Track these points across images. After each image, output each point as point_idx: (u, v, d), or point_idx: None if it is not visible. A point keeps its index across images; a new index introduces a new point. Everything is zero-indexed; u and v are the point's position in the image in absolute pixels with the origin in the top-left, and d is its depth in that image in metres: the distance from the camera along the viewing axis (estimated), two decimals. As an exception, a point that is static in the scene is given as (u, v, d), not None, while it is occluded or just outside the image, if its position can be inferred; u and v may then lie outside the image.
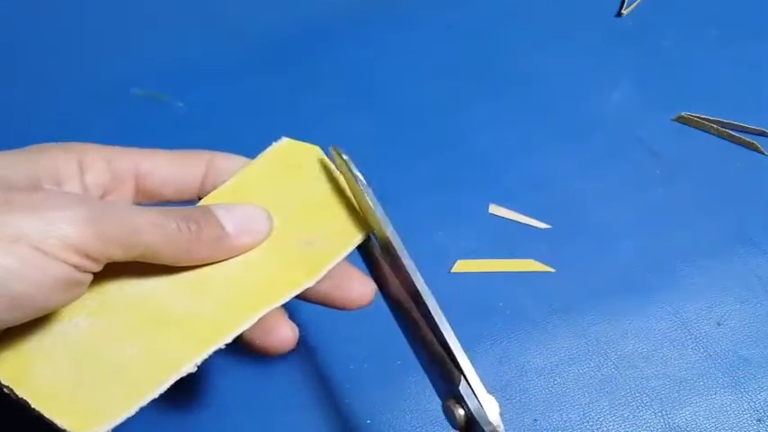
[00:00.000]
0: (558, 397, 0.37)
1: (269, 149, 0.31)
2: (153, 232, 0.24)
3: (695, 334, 0.39)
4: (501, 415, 0.25)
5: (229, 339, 0.25)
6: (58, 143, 0.27)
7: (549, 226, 0.43)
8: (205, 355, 0.24)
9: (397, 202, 0.43)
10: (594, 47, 0.52)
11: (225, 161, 0.30)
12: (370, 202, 0.28)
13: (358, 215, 0.29)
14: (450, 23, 0.54)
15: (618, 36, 0.53)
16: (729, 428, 0.36)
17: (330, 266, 0.28)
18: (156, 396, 0.23)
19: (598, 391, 0.37)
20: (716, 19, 0.54)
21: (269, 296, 0.26)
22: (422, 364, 0.28)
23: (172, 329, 0.25)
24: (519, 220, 0.43)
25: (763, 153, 0.46)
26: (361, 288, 0.29)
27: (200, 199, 0.29)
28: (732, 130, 0.47)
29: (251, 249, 0.28)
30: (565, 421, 0.36)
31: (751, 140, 0.46)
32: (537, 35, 0.53)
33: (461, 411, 0.25)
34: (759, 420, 0.36)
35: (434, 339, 0.26)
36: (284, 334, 0.28)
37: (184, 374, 0.24)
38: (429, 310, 0.26)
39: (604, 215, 0.43)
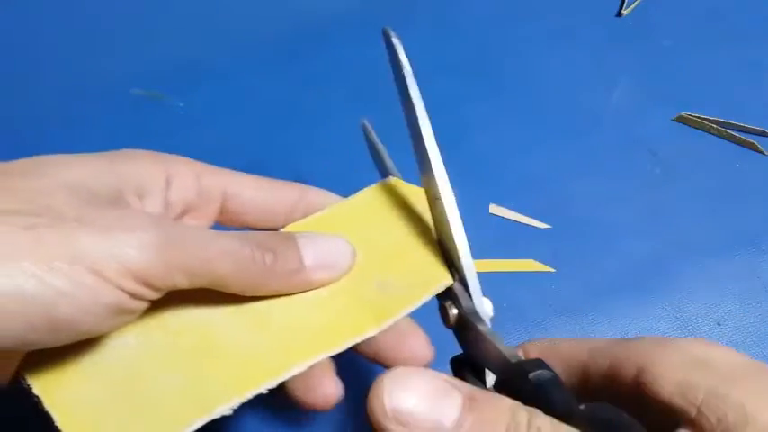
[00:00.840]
0: (558, 397, 0.37)
1: (373, 186, 0.29)
2: (225, 262, 0.22)
3: (695, 334, 0.39)
4: (492, 319, 0.25)
5: (275, 384, 0.23)
6: (149, 152, 0.25)
7: (549, 226, 0.43)
8: (246, 398, 0.23)
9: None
10: (594, 46, 0.52)
11: (318, 196, 0.28)
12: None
13: (441, 265, 0.27)
14: (451, 23, 0.54)
15: (618, 36, 0.53)
16: (729, 428, 0.36)
17: (400, 315, 0.25)
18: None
19: (598, 391, 0.37)
20: (716, 19, 0.54)
21: (328, 340, 0.24)
22: None
23: (218, 363, 0.23)
24: (519, 220, 0.43)
25: (764, 153, 0.46)
26: (419, 349, 0.26)
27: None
28: (732, 130, 0.47)
29: (326, 285, 0.25)
30: (565, 421, 0.36)
31: (751, 140, 0.46)
32: (537, 34, 0.53)
33: (455, 310, 0.25)
34: (759, 420, 0.36)
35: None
36: (328, 390, 0.25)
37: (218, 416, 0.23)
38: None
39: (604, 215, 0.43)
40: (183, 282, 0.22)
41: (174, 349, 0.23)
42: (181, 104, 0.49)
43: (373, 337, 0.25)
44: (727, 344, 0.38)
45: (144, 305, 0.22)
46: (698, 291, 0.40)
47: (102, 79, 0.51)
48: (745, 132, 0.47)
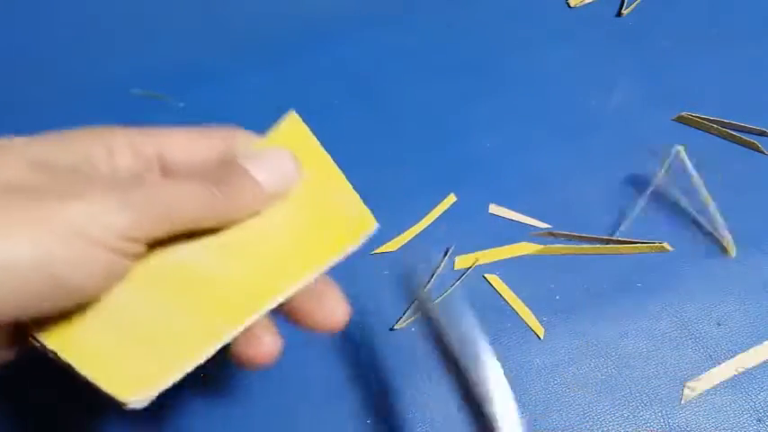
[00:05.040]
0: (558, 397, 0.37)
1: (283, 124, 0.30)
2: (190, 204, 0.24)
3: (695, 334, 0.39)
4: None
5: (275, 304, 0.25)
6: (85, 128, 0.27)
7: (549, 226, 0.43)
8: (247, 324, 0.25)
9: (397, 201, 0.43)
10: (594, 47, 0.52)
11: (244, 137, 0.29)
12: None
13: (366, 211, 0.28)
14: (450, 23, 0.54)
15: (618, 36, 0.53)
16: (729, 428, 0.36)
17: (369, 233, 0.27)
18: (200, 363, 0.24)
19: (598, 391, 0.37)
20: (716, 19, 0.54)
21: (321, 254, 0.26)
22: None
23: (215, 295, 0.25)
24: (519, 220, 0.43)
25: (764, 153, 0.46)
26: (337, 308, 0.27)
27: None
28: (732, 130, 0.47)
29: (285, 195, 0.27)
30: (565, 421, 0.36)
31: (751, 140, 0.46)
32: (537, 34, 0.53)
33: None
34: (759, 420, 0.36)
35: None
36: (270, 345, 0.26)
37: (227, 342, 0.24)
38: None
39: (604, 215, 0.43)
40: (161, 231, 0.23)
41: (169, 290, 0.25)
42: (181, 104, 0.49)
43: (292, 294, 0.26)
44: (727, 344, 0.38)
45: (132, 261, 0.24)
46: (698, 291, 0.40)
47: (102, 79, 0.51)
48: (745, 132, 0.47)
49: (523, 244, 0.42)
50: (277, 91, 0.50)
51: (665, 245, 0.41)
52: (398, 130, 0.48)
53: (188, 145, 0.28)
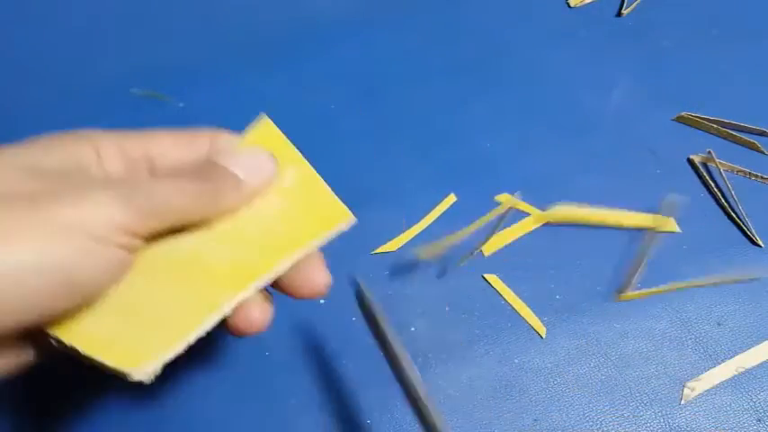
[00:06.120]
0: (558, 397, 0.37)
1: (259, 125, 0.31)
2: (180, 198, 0.25)
3: (695, 334, 0.39)
4: None
5: (267, 280, 0.27)
6: (74, 132, 0.28)
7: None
8: (243, 296, 0.26)
9: (397, 202, 0.43)
10: (594, 46, 0.52)
11: (228, 139, 0.30)
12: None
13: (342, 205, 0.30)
14: (450, 23, 0.54)
15: (618, 36, 0.53)
16: (729, 428, 0.36)
17: (345, 224, 0.29)
18: (201, 334, 0.25)
19: (598, 391, 0.37)
20: (716, 19, 0.54)
21: (303, 238, 0.28)
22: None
23: (211, 275, 0.26)
24: (519, 220, 0.43)
25: (764, 153, 0.46)
26: (316, 275, 0.28)
27: None
28: (732, 129, 0.47)
29: (265, 190, 0.29)
30: (565, 421, 0.36)
31: (751, 140, 0.46)
32: (537, 35, 0.53)
33: None
34: (759, 420, 0.36)
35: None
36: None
37: (225, 314, 0.26)
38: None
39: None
40: (156, 224, 0.25)
41: (166, 274, 0.26)
42: (181, 104, 0.49)
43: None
44: (726, 344, 0.38)
45: (133, 254, 0.25)
46: (698, 291, 0.40)
47: (102, 79, 0.51)
48: (745, 132, 0.47)
49: (526, 220, 0.42)
50: (277, 92, 0.50)
51: (672, 221, 0.41)
52: (399, 131, 0.48)
53: (174, 147, 0.29)
